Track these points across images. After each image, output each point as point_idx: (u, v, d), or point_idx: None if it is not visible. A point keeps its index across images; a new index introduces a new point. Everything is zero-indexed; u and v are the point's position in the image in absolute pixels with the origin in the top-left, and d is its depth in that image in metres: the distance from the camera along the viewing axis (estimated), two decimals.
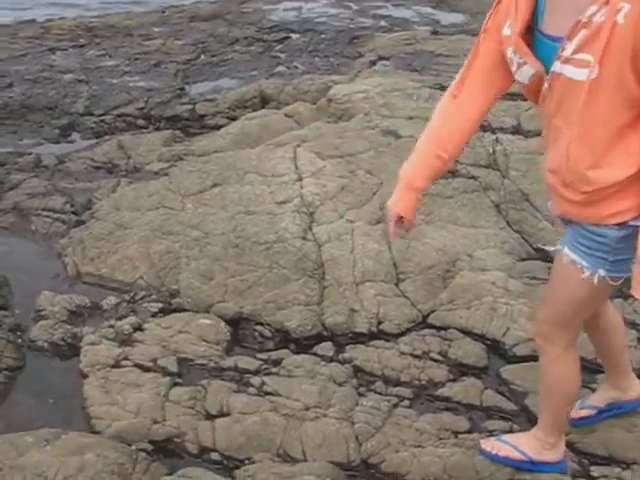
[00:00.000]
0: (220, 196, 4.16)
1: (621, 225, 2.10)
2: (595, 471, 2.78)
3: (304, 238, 3.79)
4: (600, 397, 2.92)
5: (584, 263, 2.21)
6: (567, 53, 1.95)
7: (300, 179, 4.13)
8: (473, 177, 4.18)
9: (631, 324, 3.43)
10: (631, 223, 2.08)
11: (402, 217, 2.43)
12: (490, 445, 2.76)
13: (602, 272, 2.18)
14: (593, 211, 2.13)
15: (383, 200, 4.01)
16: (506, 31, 2.12)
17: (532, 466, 2.68)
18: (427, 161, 2.36)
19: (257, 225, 3.88)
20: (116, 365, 3.27)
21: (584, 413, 2.90)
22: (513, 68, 2.15)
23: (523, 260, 3.83)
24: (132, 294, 3.80)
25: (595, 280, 2.20)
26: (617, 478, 2.75)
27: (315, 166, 4.20)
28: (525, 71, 2.12)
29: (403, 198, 2.40)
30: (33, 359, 3.48)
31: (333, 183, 4.08)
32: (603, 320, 2.67)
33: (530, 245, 3.94)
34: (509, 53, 2.13)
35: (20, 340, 3.56)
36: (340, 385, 3.12)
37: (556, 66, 2.01)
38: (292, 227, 3.84)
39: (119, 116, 6.11)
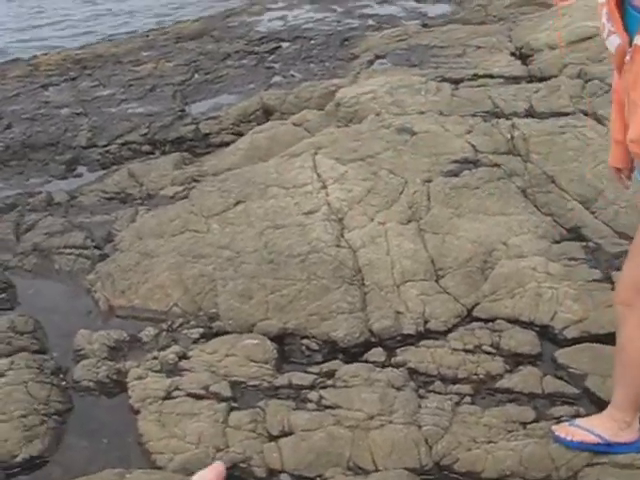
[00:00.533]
0: (245, 213, 4.12)
1: None
2: None
3: (338, 245, 3.75)
4: None
5: None
6: None
7: (324, 186, 4.08)
8: (496, 165, 4.15)
9: None
10: None
11: (619, 169, 2.64)
12: (564, 431, 2.72)
13: None
14: None
15: (410, 199, 3.98)
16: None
17: (608, 448, 2.65)
18: (619, 113, 2.50)
19: (288, 238, 3.83)
20: (168, 397, 3.22)
21: None
22: (604, 35, 2.20)
23: (558, 242, 3.79)
24: (169, 322, 3.75)
25: None
26: None
27: (337, 172, 4.15)
28: (612, 40, 2.19)
29: (612, 152, 2.66)
30: (80, 400, 3.44)
31: (358, 187, 4.04)
32: None
33: (562, 226, 3.91)
34: (604, 18, 2.18)
35: (64, 382, 3.52)
36: (399, 390, 3.08)
37: (638, 39, 2.02)
38: (324, 236, 3.80)
39: (123, 144, 6.07)
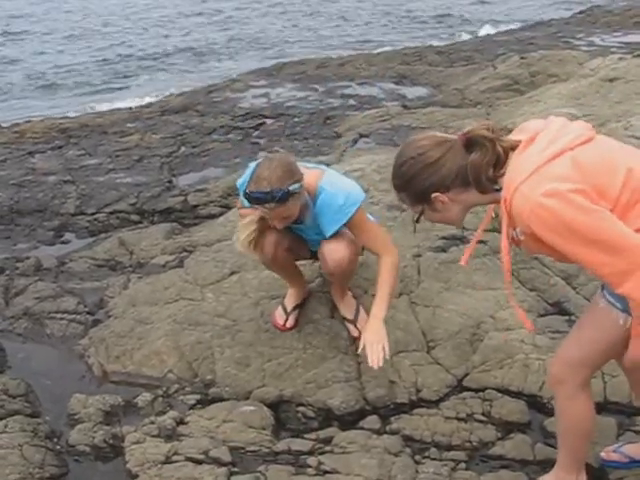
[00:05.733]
0: (239, 283, 4.23)
1: None
2: None
3: (332, 317, 3.88)
4: (637, 449, 3.03)
5: (618, 305, 2.36)
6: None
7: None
8: (482, 241, 4.34)
9: None
10: None
11: None
12: None
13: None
14: None
15: (401, 272, 4.13)
16: None
17: None
18: None
19: None
20: (167, 461, 3.27)
21: (615, 457, 3.04)
22: None
23: (542, 316, 3.97)
24: (164, 388, 3.81)
25: (622, 322, 2.35)
26: None
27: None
28: None
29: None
30: (76, 465, 3.46)
31: None
32: None
33: (545, 301, 4.09)
34: None
35: (58, 446, 3.54)
36: (396, 455, 3.17)
37: None
38: (319, 307, 3.92)
39: (112, 213, 6.17)
